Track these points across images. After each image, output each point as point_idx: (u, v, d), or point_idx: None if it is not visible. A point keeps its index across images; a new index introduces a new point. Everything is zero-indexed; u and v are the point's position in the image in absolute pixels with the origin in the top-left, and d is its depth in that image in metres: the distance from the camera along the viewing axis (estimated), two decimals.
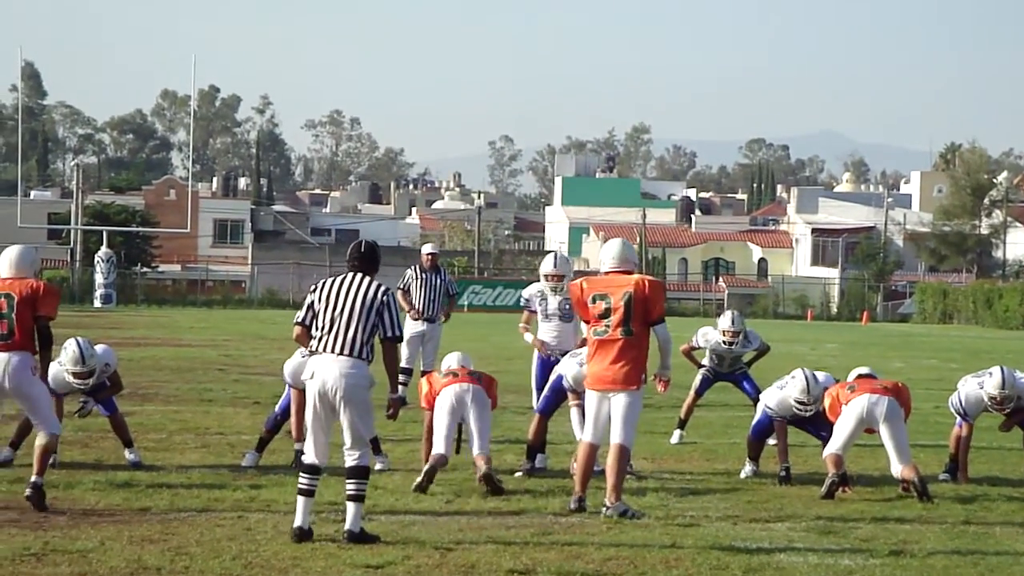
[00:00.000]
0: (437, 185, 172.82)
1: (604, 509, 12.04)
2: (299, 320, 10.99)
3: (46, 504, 11.77)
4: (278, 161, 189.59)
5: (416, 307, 20.82)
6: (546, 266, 15.48)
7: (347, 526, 10.67)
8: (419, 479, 13.05)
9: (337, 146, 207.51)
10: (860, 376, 14.23)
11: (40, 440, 12.02)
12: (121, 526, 11.09)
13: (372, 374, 10.79)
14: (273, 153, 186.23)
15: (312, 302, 10.93)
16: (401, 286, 21.14)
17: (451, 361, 14.29)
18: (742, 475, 14.62)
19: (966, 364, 30.67)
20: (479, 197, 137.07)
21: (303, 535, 10.53)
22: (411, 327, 21.04)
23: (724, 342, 17.13)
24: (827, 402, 13.97)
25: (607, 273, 12.52)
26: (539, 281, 15.42)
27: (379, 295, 10.81)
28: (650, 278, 12.53)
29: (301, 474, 10.75)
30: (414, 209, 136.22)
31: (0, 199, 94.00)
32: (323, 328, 10.78)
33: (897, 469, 13.40)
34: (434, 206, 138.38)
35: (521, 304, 15.59)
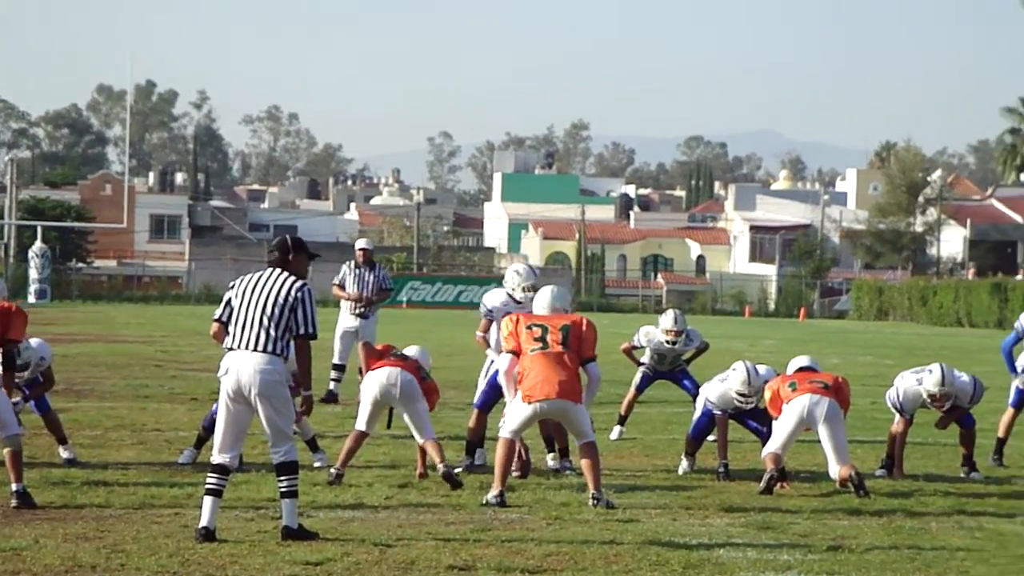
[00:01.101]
0: (376, 181, 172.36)
1: (593, 502, 12.22)
2: (216, 317, 10.87)
3: (35, 502, 11.77)
4: (216, 156, 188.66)
5: (352, 296, 20.86)
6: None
7: (284, 523, 10.60)
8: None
9: (275, 141, 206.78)
10: (801, 369, 14.25)
11: (5, 447, 11.92)
12: (56, 523, 10.99)
13: (287, 370, 10.72)
14: (211, 148, 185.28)
15: (229, 298, 10.84)
16: (337, 281, 21.10)
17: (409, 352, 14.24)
18: (680, 471, 14.66)
19: (902, 360, 30.87)
20: (418, 193, 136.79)
21: (208, 535, 10.39)
22: (344, 323, 20.98)
23: (666, 341, 17.15)
24: (768, 396, 14.00)
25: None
26: (499, 287, 15.14)
27: (294, 291, 10.69)
28: (587, 318, 12.93)
29: (209, 473, 10.63)
30: (352, 205, 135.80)
31: None
32: (238, 324, 10.68)
33: (835, 470, 13.45)
34: (372, 202, 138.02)
35: (483, 312, 14.96)
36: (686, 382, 17.38)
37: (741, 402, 14.41)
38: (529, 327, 12.61)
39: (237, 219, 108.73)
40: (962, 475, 14.84)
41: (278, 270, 10.83)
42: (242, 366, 10.56)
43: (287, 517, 10.60)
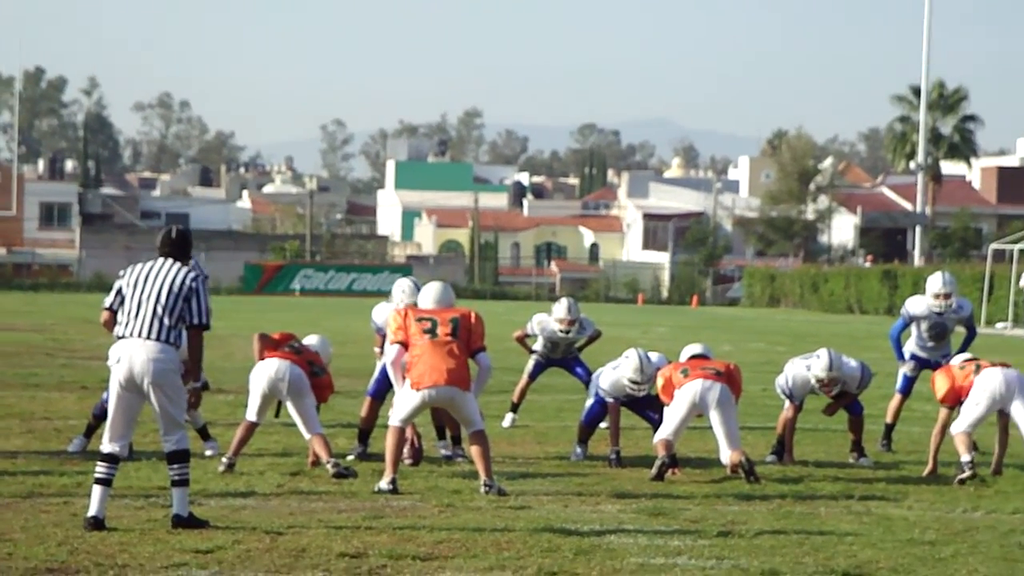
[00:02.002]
0: (268, 169, 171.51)
1: (485, 489, 12.30)
2: (107, 305, 10.83)
3: None
4: (106, 144, 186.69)
5: None
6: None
7: (174, 511, 10.56)
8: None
9: (167, 129, 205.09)
10: (694, 356, 14.36)
11: None
12: None
13: (179, 359, 10.67)
14: (101, 136, 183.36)
15: (120, 287, 10.78)
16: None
17: (309, 341, 14.22)
18: (572, 458, 14.73)
19: (793, 347, 31.17)
20: (311, 181, 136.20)
21: (97, 524, 10.33)
22: None
23: (560, 330, 17.22)
24: (660, 383, 14.09)
25: None
26: (387, 303, 15.09)
27: (187, 281, 10.67)
28: (476, 311, 13.04)
29: (99, 462, 10.56)
30: (245, 193, 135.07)
31: None
32: (130, 312, 10.63)
33: (726, 455, 13.59)
34: (265, 190, 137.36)
35: (374, 329, 15.18)
36: (578, 369, 17.44)
37: (633, 389, 14.49)
38: (419, 320, 12.67)
39: (128, 207, 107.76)
40: (851, 461, 15.02)
41: (171, 260, 10.78)
42: (135, 354, 10.50)
43: (178, 505, 10.55)
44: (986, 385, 13.92)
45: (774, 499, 12.51)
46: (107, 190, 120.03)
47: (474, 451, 12.59)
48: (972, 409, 13.94)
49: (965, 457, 13.75)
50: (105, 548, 9.78)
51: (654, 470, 13.45)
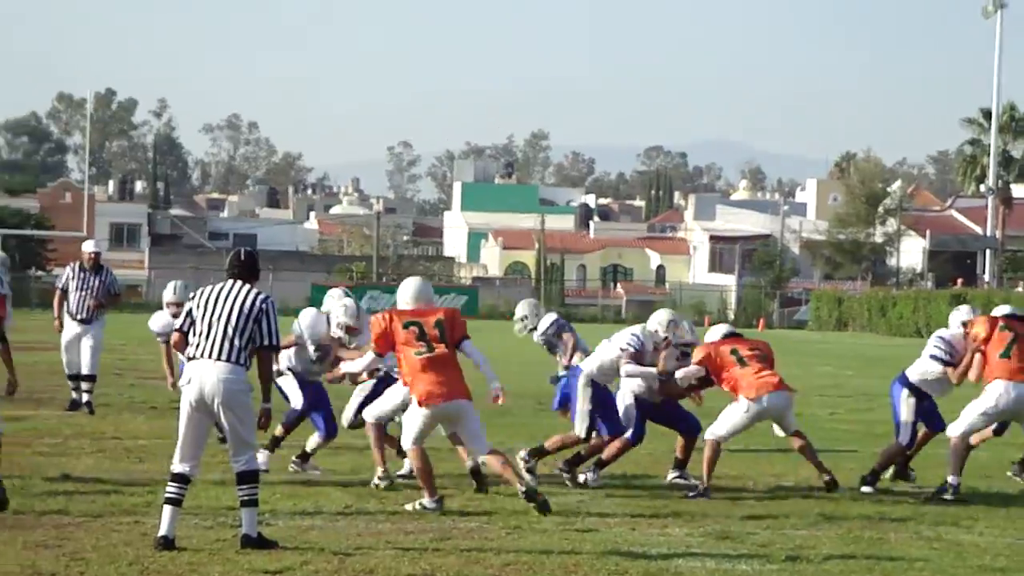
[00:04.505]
0: (335, 190, 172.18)
1: (525, 495, 12.26)
2: (178, 327, 10.98)
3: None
4: (175, 165, 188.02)
5: (70, 312, 20.33)
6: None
7: (243, 531, 10.62)
8: None
9: (235, 150, 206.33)
10: (728, 336, 14.33)
11: None
12: (15, 531, 10.96)
13: (249, 380, 10.75)
14: (171, 157, 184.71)
15: (191, 309, 10.89)
16: (60, 286, 20.52)
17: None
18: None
19: (861, 371, 31.02)
20: (378, 202, 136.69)
21: (167, 544, 10.40)
22: (69, 329, 20.44)
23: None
24: (699, 355, 14.10)
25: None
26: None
27: (258, 303, 10.78)
28: (456, 309, 13.41)
29: (169, 483, 10.65)
30: (312, 214, 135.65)
31: None
32: (201, 334, 10.73)
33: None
34: (332, 211, 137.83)
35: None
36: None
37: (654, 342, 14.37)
38: (405, 326, 12.61)
39: (197, 228, 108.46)
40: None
41: (239, 281, 10.87)
42: (205, 375, 10.58)
43: (247, 525, 10.61)
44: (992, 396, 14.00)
45: (843, 523, 12.44)
46: (176, 211, 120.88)
47: (496, 464, 12.51)
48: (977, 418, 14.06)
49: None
50: (175, 568, 9.84)
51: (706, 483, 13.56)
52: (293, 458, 14.47)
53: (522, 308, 16.54)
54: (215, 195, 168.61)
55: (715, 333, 14.49)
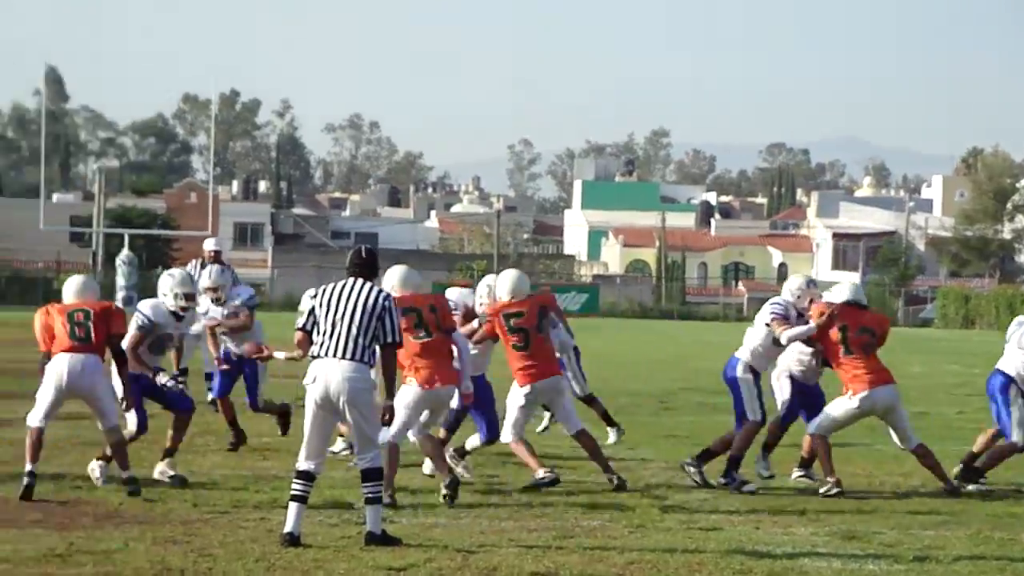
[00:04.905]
0: (456, 189, 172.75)
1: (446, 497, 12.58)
2: (300, 326, 11.02)
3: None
4: (298, 164, 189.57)
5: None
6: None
7: (368, 528, 10.68)
8: None
9: (357, 149, 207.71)
10: (848, 304, 14.12)
11: (110, 437, 12.96)
12: (145, 527, 11.11)
13: (373, 378, 10.82)
14: (293, 156, 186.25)
15: (313, 307, 10.95)
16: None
17: None
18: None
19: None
20: (498, 201, 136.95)
21: (293, 540, 10.49)
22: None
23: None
24: (816, 311, 13.93)
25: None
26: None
27: (380, 300, 10.85)
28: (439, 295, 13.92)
29: (294, 480, 10.73)
30: (433, 212, 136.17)
31: (23, 202, 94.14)
32: (325, 332, 10.79)
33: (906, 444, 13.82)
34: (453, 209, 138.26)
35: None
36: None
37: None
38: (404, 313, 12.55)
39: (319, 227, 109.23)
40: None
41: (361, 279, 10.93)
42: (331, 374, 10.65)
43: (371, 523, 10.66)
44: None
45: (972, 523, 12.27)
46: (298, 210, 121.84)
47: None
48: None
49: None
50: (301, 564, 9.92)
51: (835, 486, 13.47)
52: (451, 451, 14.36)
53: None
54: (337, 194, 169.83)
55: (837, 294, 14.28)
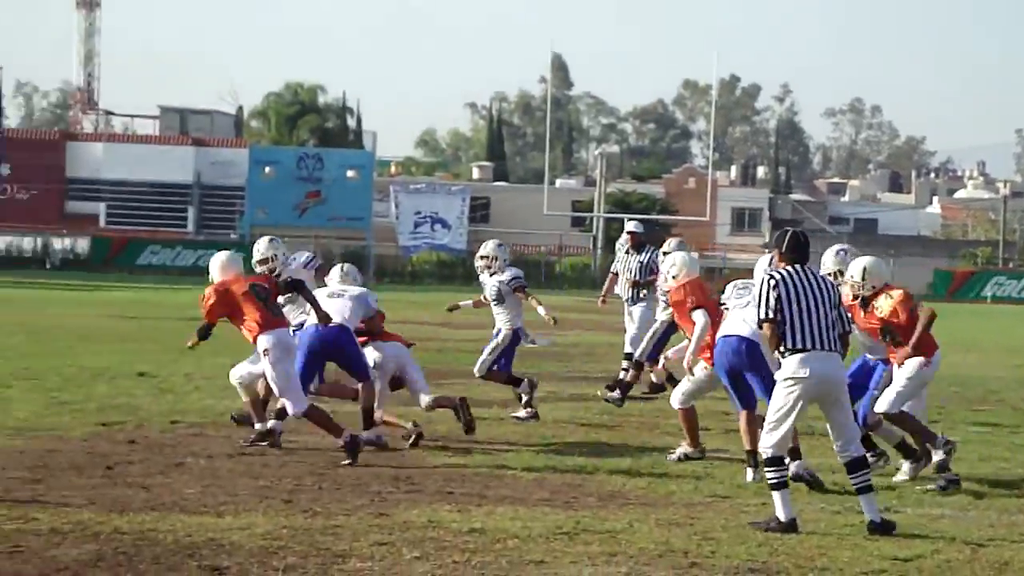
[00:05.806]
0: (959, 174, 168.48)
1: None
2: (768, 317, 10.71)
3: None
4: (796, 150, 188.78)
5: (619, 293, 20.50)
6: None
7: (868, 517, 10.61)
8: None
9: (857, 134, 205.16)
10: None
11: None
12: (647, 508, 11.29)
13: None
14: (792, 141, 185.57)
15: (779, 296, 10.72)
16: (613, 269, 20.91)
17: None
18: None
19: None
20: (1005, 186, 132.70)
21: (792, 526, 10.45)
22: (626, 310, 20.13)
23: None
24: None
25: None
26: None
27: (835, 290, 10.93)
28: None
29: (766, 469, 10.73)
30: (935, 198, 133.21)
31: (528, 187, 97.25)
32: (809, 324, 10.64)
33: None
34: (956, 195, 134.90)
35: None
36: None
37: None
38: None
39: (817, 212, 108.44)
40: None
41: (806, 267, 10.88)
42: (830, 368, 10.66)
43: (869, 511, 10.58)
44: None
45: None
46: (796, 196, 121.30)
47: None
48: None
49: None
50: (803, 550, 9.88)
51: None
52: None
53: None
54: (836, 179, 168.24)
55: None
